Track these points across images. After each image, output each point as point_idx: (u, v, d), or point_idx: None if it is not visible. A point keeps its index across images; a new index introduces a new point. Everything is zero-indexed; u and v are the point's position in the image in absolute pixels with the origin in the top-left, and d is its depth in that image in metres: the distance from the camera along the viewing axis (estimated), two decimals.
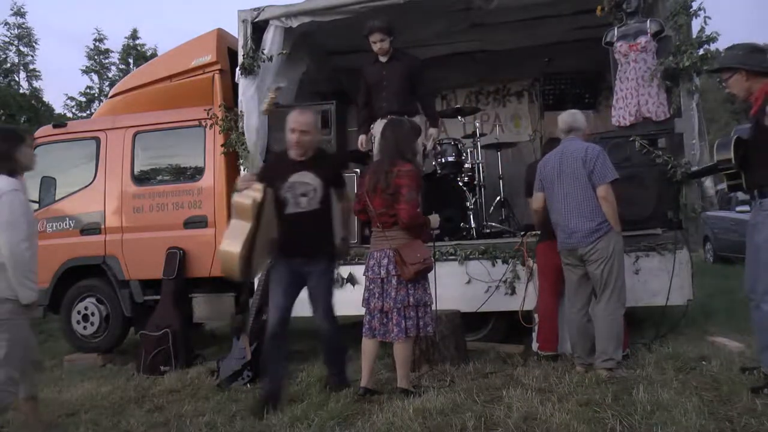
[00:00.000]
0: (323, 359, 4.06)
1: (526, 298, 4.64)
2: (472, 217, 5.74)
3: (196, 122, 5.71)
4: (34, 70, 19.50)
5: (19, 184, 3.13)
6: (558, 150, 4.05)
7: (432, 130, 5.05)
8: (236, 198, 3.55)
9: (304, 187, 3.68)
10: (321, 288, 3.79)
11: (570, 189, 3.87)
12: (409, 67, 4.88)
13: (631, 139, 4.57)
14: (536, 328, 4.42)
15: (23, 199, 3.11)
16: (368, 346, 3.70)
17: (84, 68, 21.54)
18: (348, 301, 4.81)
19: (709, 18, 4.50)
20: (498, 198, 6.43)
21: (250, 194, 3.49)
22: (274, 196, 3.65)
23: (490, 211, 6.41)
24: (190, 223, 5.65)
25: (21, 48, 19.30)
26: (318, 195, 3.69)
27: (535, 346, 4.43)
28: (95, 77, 21.75)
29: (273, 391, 3.62)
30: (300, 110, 3.84)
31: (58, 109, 20.22)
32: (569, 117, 4.07)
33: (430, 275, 3.76)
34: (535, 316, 4.47)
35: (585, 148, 3.88)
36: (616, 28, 4.87)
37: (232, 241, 3.43)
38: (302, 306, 3.84)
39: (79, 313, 5.90)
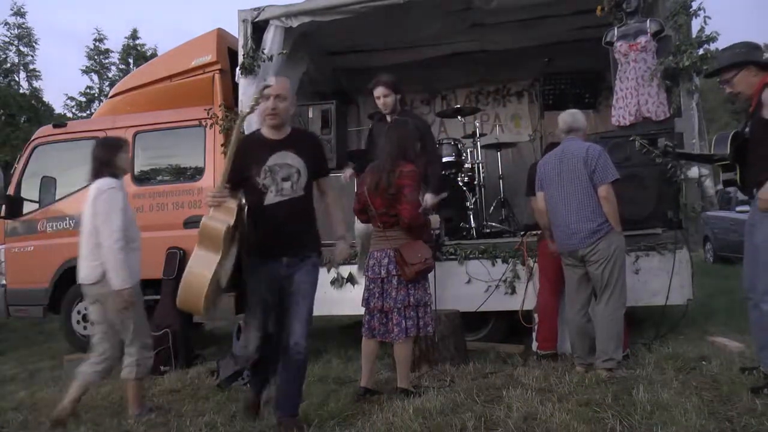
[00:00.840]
0: (278, 381, 3.22)
1: (526, 297, 4.64)
2: (472, 217, 5.74)
3: (196, 122, 5.71)
4: (34, 70, 19.53)
5: (118, 183, 3.58)
6: (558, 150, 4.04)
7: (428, 196, 4.13)
8: (206, 222, 2.99)
9: (287, 170, 3.13)
10: (303, 292, 3.15)
11: (571, 189, 3.87)
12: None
13: (631, 138, 4.57)
14: (536, 327, 4.42)
15: (120, 197, 3.53)
16: (368, 346, 3.70)
17: (84, 68, 21.58)
18: (348, 301, 4.83)
19: (709, 18, 4.51)
20: (498, 198, 6.44)
21: (224, 218, 2.96)
22: (250, 185, 3.13)
23: (490, 211, 6.41)
24: (190, 223, 5.63)
25: (21, 48, 19.33)
26: (302, 179, 3.17)
27: (534, 346, 4.43)
28: (95, 77, 21.78)
29: (256, 399, 3.39)
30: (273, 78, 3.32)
31: (58, 109, 20.27)
32: (569, 117, 4.07)
33: (430, 275, 3.76)
34: (535, 315, 4.47)
35: (586, 148, 3.88)
36: (616, 28, 4.87)
37: (201, 269, 2.96)
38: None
39: (79, 313, 5.90)
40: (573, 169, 3.86)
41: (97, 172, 3.61)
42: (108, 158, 3.63)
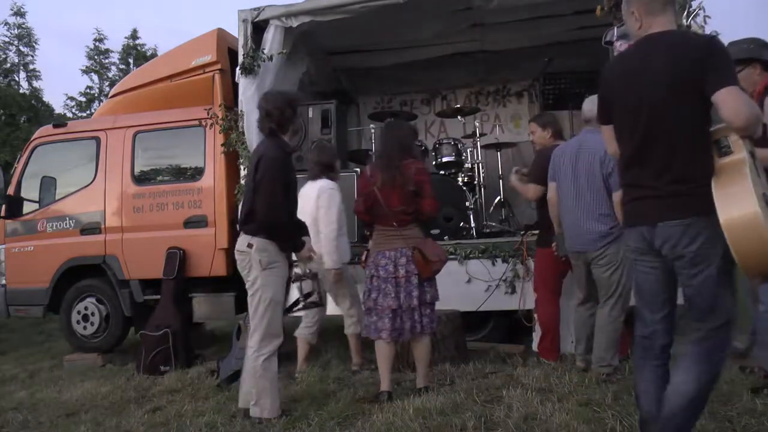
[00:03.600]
0: None
1: (526, 297, 4.62)
2: (472, 216, 5.74)
3: (196, 122, 5.71)
4: (34, 70, 19.51)
5: (336, 185, 4.35)
6: (575, 141, 3.92)
7: None
8: None
9: None
10: None
11: (584, 186, 3.71)
12: None
13: None
14: (536, 327, 4.41)
15: (339, 197, 4.31)
16: (385, 349, 3.63)
17: (84, 68, 21.54)
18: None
19: (709, 17, 4.50)
20: (498, 198, 6.44)
21: None
22: None
23: (490, 211, 6.41)
24: (190, 223, 5.65)
25: (21, 48, 19.31)
26: None
27: (535, 346, 4.42)
28: (95, 77, 21.74)
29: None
30: None
31: (58, 109, 20.22)
32: (592, 104, 3.59)
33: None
34: (535, 316, 4.45)
35: (605, 147, 3.71)
36: (615, 28, 4.85)
37: None
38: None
39: (79, 313, 5.90)
40: (589, 166, 3.68)
41: (318, 174, 4.35)
42: (329, 162, 4.40)
